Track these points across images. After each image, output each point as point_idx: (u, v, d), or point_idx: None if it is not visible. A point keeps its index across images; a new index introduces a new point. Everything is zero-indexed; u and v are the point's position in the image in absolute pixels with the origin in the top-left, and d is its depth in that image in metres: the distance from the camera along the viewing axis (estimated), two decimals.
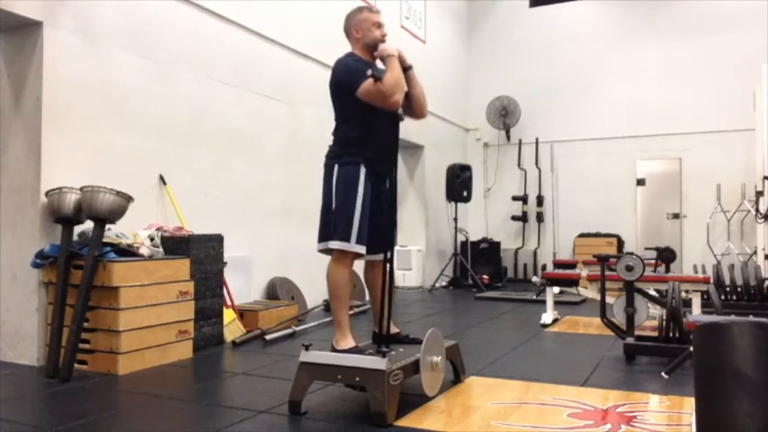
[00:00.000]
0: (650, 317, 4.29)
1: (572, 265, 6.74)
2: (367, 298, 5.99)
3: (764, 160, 6.64)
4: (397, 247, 7.44)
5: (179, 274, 3.76)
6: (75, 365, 3.29)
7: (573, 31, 9.20)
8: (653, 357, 3.65)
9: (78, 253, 3.43)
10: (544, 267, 8.57)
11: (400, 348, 2.85)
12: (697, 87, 8.40)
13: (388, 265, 2.85)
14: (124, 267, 3.41)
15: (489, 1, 9.80)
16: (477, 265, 8.49)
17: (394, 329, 2.99)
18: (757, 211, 6.80)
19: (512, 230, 9.45)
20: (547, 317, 5.09)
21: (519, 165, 9.44)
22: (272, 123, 5.44)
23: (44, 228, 3.56)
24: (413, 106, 3.02)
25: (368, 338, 3.06)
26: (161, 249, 3.79)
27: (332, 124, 3.00)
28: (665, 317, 3.66)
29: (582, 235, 8.81)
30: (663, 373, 3.15)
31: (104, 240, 3.48)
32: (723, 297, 5.28)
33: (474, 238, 9.02)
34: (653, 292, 4.37)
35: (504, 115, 9.31)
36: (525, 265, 9.23)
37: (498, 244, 8.86)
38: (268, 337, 4.28)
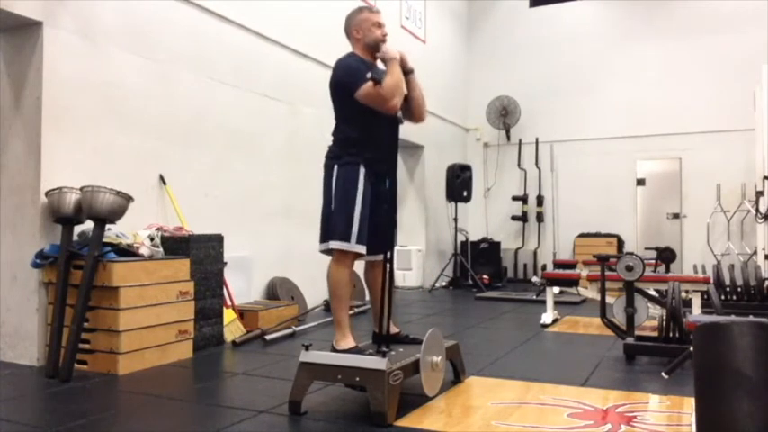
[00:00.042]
0: (650, 317, 4.29)
1: (572, 265, 6.74)
2: (367, 298, 5.99)
3: (764, 160, 6.64)
4: (397, 247, 7.44)
5: (179, 274, 3.76)
6: (75, 365, 3.29)
7: (573, 31, 9.20)
8: (653, 357, 3.65)
9: (78, 253, 3.43)
10: (544, 267, 8.57)
11: (400, 348, 2.85)
12: (697, 87, 8.40)
13: (387, 265, 2.85)
14: (124, 267, 3.41)
15: (489, 1, 9.80)
16: (477, 265, 8.49)
17: (394, 329, 2.99)
18: (757, 211, 6.80)
19: (512, 230, 9.45)
20: (547, 317, 5.09)
21: (519, 165, 9.44)
22: (272, 123, 5.44)
23: (44, 228, 3.56)
24: (412, 110, 3.02)
25: (368, 338, 3.06)
26: (161, 249, 3.79)
27: (332, 124, 3.00)
28: (665, 317, 3.66)
29: (582, 235, 8.81)
30: (663, 373, 3.15)
31: (104, 240, 3.48)
32: (723, 297, 5.28)
33: (474, 238, 9.02)
34: (653, 292, 4.37)
35: (504, 115, 9.32)
36: (525, 265, 9.23)
37: (498, 244, 8.86)
38: (268, 337, 4.28)
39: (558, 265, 7.22)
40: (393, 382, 2.51)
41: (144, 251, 3.63)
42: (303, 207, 5.54)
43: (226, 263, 4.26)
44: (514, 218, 9.33)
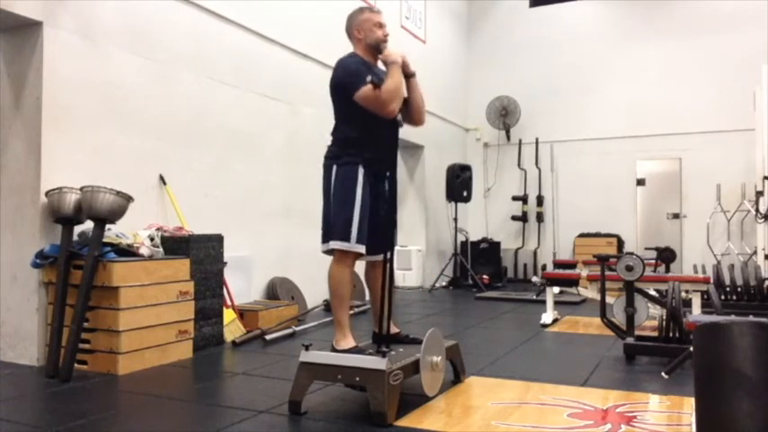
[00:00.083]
0: (650, 317, 4.29)
1: (572, 265, 6.74)
2: (367, 298, 5.99)
3: (764, 160, 6.64)
4: (397, 247, 7.43)
5: (179, 274, 3.76)
6: (75, 365, 3.29)
7: (573, 31, 9.20)
8: (653, 357, 3.65)
9: (78, 253, 3.43)
10: (544, 267, 8.57)
11: (400, 348, 2.85)
12: (697, 87, 8.40)
13: (388, 265, 2.85)
14: (124, 267, 3.41)
15: (489, 1, 9.80)
16: (477, 265, 8.49)
17: (394, 329, 2.99)
18: (757, 211, 6.80)
19: (512, 230, 9.45)
20: (547, 317, 5.09)
21: (519, 165, 9.44)
22: (272, 123, 5.44)
23: (44, 228, 3.56)
24: (411, 113, 3.02)
25: (368, 338, 3.06)
26: (161, 249, 3.79)
27: (332, 124, 3.00)
28: (665, 317, 3.66)
29: (582, 235, 8.81)
30: (663, 373, 3.15)
31: (104, 240, 3.48)
32: (723, 297, 5.28)
33: (474, 238, 9.02)
34: (653, 292, 4.37)
35: (504, 115, 9.32)
36: (525, 265, 9.23)
37: (498, 244, 8.86)
38: (268, 337, 4.28)
39: (557, 265, 7.22)
40: (393, 382, 2.51)
41: (144, 251, 3.63)
42: (303, 207, 5.54)
43: (226, 263, 4.26)
44: (514, 218, 9.33)
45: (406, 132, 3.41)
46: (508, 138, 9.49)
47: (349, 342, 2.81)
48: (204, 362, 3.70)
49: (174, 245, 3.90)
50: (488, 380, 3.23)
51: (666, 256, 5.89)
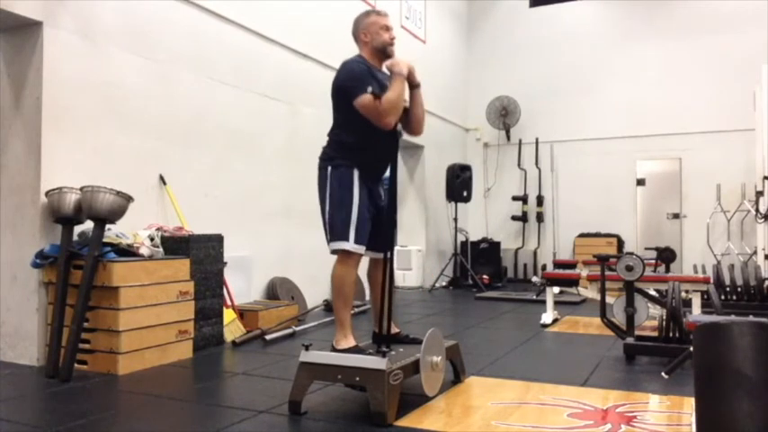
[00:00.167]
0: (650, 317, 4.29)
1: (572, 265, 6.74)
2: (367, 298, 5.99)
3: (764, 160, 6.64)
4: (397, 247, 7.44)
5: (179, 274, 3.76)
6: (75, 365, 3.29)
7: (573, 31, 9.20)
8: (653, 357, 3.65)
9: (78, 253, 3.43)
10: (544, 267, 8.57)
11: (400, 348, 2.85)
12: (697, 87, 8.40)
13: (388, 265, 2.85)
14: (124, 267, 3.41)
15: (489, 1, 9.80)
16: (477, 265, 8.49)
17: (394, 329, 2.99)
18: (757, 211, 6.80)
19: (512, 230, 9.45)
20: (547, 317, 5.09)
21: (519, 165, 9.44)
22: (272, 123, 5.44)
23: (44, 228, 3.56)
24: (411, 123, 3.02)
25: (368, 338, 3.06)
26: (161, 249, 3.79)
27: (332, 124, 3.00)
28: (665, 317, 3.66)
29: (582, 235, 8.81)
30: (663, 373, 3.15)
31: (104, 240, 3.48)
32: (723, 297, 5.28)
33: (474, 238, 9.02)
34: (653, 292, 4.37)
35: (504, 115, 9.32)
36: (525, 265, 9.23)
37: (498, 244, 8.86)
38: (268, 337, 4.28)
39: (557, 265, 7.22)
40: (393, 382, 2.51)
41: (144, 251, 3.63)
42: (303, 207, 5.53)
43: (226, 263, 4.26)
44: (514, 218, 9.33)
45: None
46: (508, 138, 9.49)
47: (349, 342, 2.81)
48: (204, 362, 3.70)
49: (174, 245, 3.90)
50: (488, 380, 3.23)
51: (666, 256, 5.89)
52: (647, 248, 7.08)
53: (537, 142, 9.30)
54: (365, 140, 2.85)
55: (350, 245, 2.79)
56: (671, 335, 3.59)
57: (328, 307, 5.38)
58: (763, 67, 6.68)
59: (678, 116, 8.47)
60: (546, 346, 4.32)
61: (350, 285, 2.85)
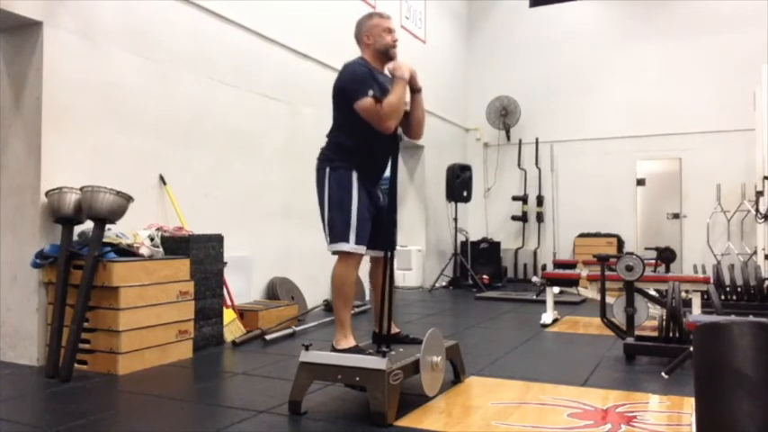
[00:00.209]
0: (650, 317, 4.29)
1: (572, 265, 6.74)
2: (367, 298, 5.99)
3: (764, 160, 6.64)
4: (397, 248, 7.43)
5: (179, 274, 3.76)
6: (75, 365, 3.29)
7: (573, 31, 9.20)
8: (653, 357, 3.65)
9: (78, 253, 3.43)
10: (544, 267, 8.57)
11: (400, 348, 2.85)
12: (697, 87, 8.40)
13: (388, 266, 2.85)
14: (124, 267, 3.41)
15: (489, 1, 9.80)
16: (477, 265, 8.49)
17: (394, 329, 2.99)
18: (757, 211, 6.80)
19: (512, 230, 9.45)
20: (547, 317, 5.09)
21: (519, 165, 9.44)
22: (272, 123, 5.44)
23: (44, 228, 3.56)
24: (411, 127, 3.02)
25: (368, 338, 3.06)
26: (161, 249, 3.79)
27: (331, 125, 3.00)
28: (665, 317, 3.66)
29: (582, 235, 8.81)
30: (663, 373, 3.15)
31: (104, 240, 3.48)
32: (723, 297, 5.28)
33: (474, 238, 9.02)
34: (653, 292, 4.37)
35: (504, 115, 9.31)
36: (525, 265, 9.23)
37: (498, 244, 8.86)
38: (268, 337, 4.28)
39: (557, 265, 7.22)
40: (393, 382, 2.51)
41: (144, 251, 3.63)
42: (303, 207, 5.53)
43: (226, 263, 4.26)
44: (514, 218, 9.33)
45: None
46: (508, 138, 9.49)
47: (349, 342, 2.81)
48: (204, 362, 3.70)
49: (174, 245, 3.90)
50: (488, 380, 3.23)
51: (666, 256, 5.90)
52: (647, 248, 7.08)
53: (537, 142, 9.30)
54: (364, 143, 2.86)
55: (350, 246, 2.79)
56: (671, 335, 3.59)
57: (328, 307, 5.38)
58: (763, 67, 6.68)
59: (678, 116, 8.47)
60: (546, 346, 4.32)
61: (350, 286, 2.85)
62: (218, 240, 4.17)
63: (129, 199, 3.53)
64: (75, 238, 3.56)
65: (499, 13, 9.74)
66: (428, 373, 2.76)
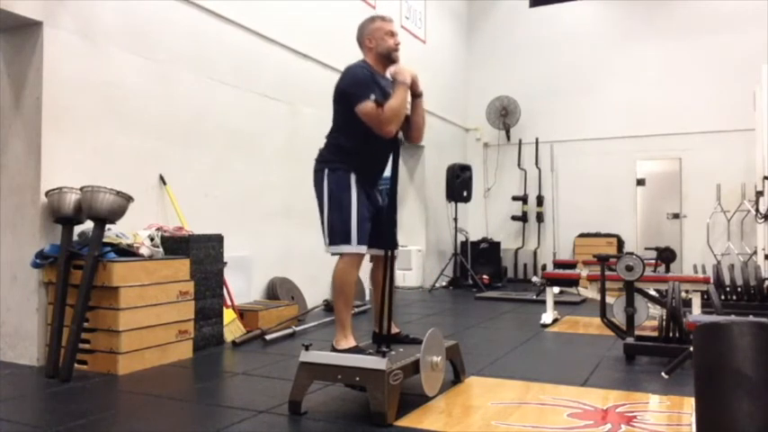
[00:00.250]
0: (650, 317, 4.29)
1: (572, 265, 6.74)
2: (367, 298, 6.00)
3: (764, 160, 6.64)
4: (399, 247, 7.41)
5: (179, 274, 3.76)
6: (75, 365, 3.29)
7: (573, 31, 9.20)
8: (653, 357, 3.65)
9: (78, 253, 3.43)
10: (544, 267, 8.57)
11: (400, 348, 2.85)
12: (697, 87, 8.40)
13: (388, 266, 2.85)
14: (124, 267, 3.41)
15: (489, 1, 9.80)
16: (477, 265, 8.49)
17: (394, 329, 2.99)
18: (757, 211, 6.80)
19: (512, 230, 9.45)
20: (547, 317, 5.09)
21: (519, 165, 9.44)
22: (272, 123, 5.44)
23: (44, 228, 3.56)
24: (411, 131, 3.02)
25: (368, 338, 3.06)
26: (161, 249, 3.79)
27: (331, 126, 3.00)
28: (665, 317, 3.66)
29: (582, 235, 8.81)
30: (663, 373, 3.15)
31: (104, 240, 3.48)
32: (723, 297, 5.28)
33: (474, 238, 9.02)
34: (653, 292, 4.37)
35: (504, 115, 9.31)
36: (525, 265, 9.23)
37: (498, 244, 8.86)
38: (268, 337, 4.28)
39: (557, 265, 7.22)
40: (393, 382, 2.51)
41: (144, 251, 3.63)
42: (303, 207, 5.53)
43: (226, 263, 4.26)
44: (514, 218, 9.33)
45: None
46: (508, 138, 9.49)
47: (349, 342, 2.81)
48: (204, 362, 3.70)
49: (174, 245, 3.90)
50: (488, 380, 3.23)
51: (666, 256, 5.89)
52: (647, 248, 7.08)
53: (537, 142, 9.30)
54: (363, 145, 2.86)
55: (353, 247, 2.79)
56: (671, 335, 3.59)
57: (328, 307, 5.38)
58: (763, 67, 6.68)
59: (678, 116, 8.47)
60: (546, 346, 4.32)
61: (351, 286, 2.85)
62: (218, 240, 4.17)
63: (129, 199, 3.53)
64: (75, 238, 3.56)
65: (499, 13, 9.74)
66: (428, 373, 2.76)
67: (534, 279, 7.60)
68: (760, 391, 1.60)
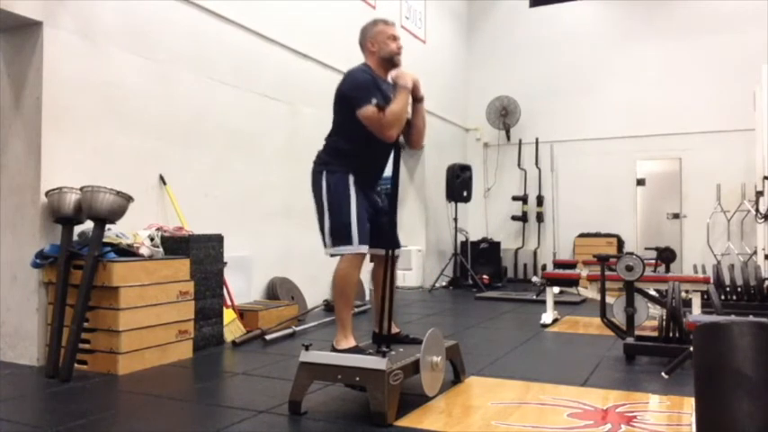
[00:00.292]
0: (650, 317, 4.29)
1: (572, 265, 6.74)
2: (367, 298, 6.00)
3: (764, 160, 6.64)
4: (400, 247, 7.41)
5: (179, 274, 3.76)
6: (75, 365, 3.29)
7: (573, 31, 9.20)
8: (653, 357, 3.65)
9: (78, 253, 3.43)
10: (544, 267, 8.57)
11: (400, 348, 2.85)
12: (697, 87, 8.40)
13: (389, 266, 2.85)
14: (124, 267, 3.41)
15: (489, 1, 9.80)
16: (477, 265, 8.49)
17: (394, 329, 2.99)
18: (757, 211, 6.80)
19: (512, 230, 9.45)
20: (547, 317, 5.09)
21: (519, 165, 9.44)
22: (272, 123, 5.44)
23: (44, 228, 3.56)
24: (412, 135, 3.02)
25: (368, 338, 3.06)
26: (161, 249, 3.79)
27: (330, 128, 3.00)
28: (665, 317, 3.66)
29: (582, 235, 8.81)
30: (663, 373, 3.15)
31: (104, 240, 3.48)
32: (723, 297, 5.28)
33: (474, 238, 9.02)
34: (653, 292, 4.37)
35: (504, 115, 9.32)
36: (525, 265, 9.23)
37: (498, 244, 8.86)
38: (268, 337, 4.28)
39: (557, 265, 7.22)
40: (393, 382, 2.51)
41: (144, 251, 3.63)
42: (303, 207, 5.49)
43: (226, 263, 4.26)
44: (514, 218, 9.33)
45: None
46: (508, 138, 9.49)
47: (350, 342, 2.81)
48: (204, 362, 3.70)
49: (174, 245, 3.90)
50: (488, 380, 3.23)
51: (666, 256, 5.90)
52: (647, 248, 7.08)
53: (537, 142, 9.30)
54: (363, 149, 2.86)
55: (354, 248, 2.79)
56: (671, 335, 3.59)
57: (328, 307, 5.38)
58: (763, 67, 6.68)
59: (678, 116, 8.47)
60: (546, 346, 4.32)
61: (352, 287, 2.85)
62: (218, 240, 4.17)
63: (129, 199, 3.53)
64: (75, 238, 3.56)
65: (499, 13, 9.74)
66: (428, 373, 2.76)
67: (534, 279, 7.60)
68: (760, 391, 1.60)
